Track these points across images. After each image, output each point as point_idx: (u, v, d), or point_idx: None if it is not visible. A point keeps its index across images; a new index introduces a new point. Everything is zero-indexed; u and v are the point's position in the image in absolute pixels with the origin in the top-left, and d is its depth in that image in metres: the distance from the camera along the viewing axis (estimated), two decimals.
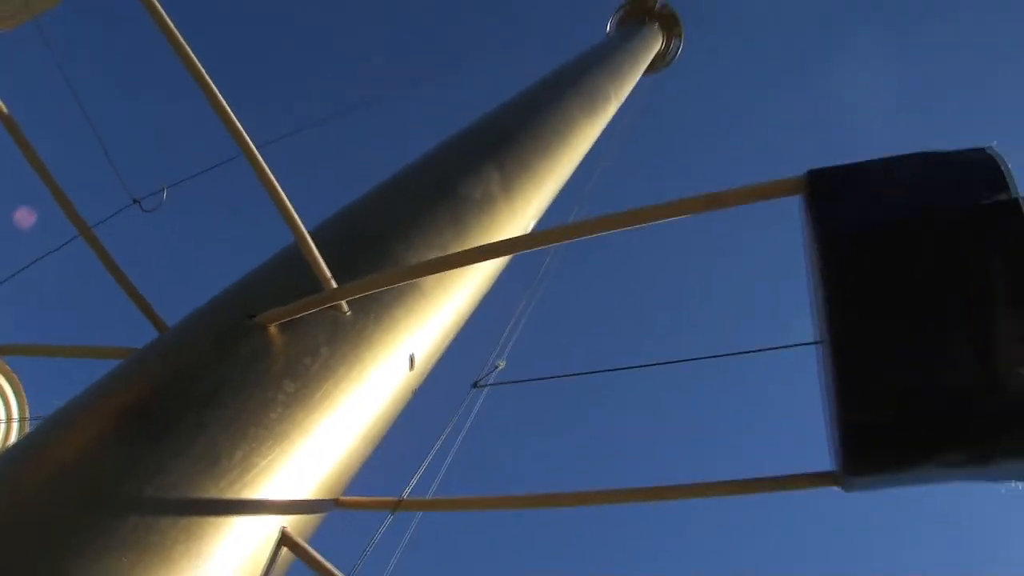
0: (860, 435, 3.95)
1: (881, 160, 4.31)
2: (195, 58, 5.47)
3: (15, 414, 13.42)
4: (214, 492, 4.37)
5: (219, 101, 5.50)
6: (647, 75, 21.70)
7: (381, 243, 6.60)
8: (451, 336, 6.97)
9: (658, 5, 23.76)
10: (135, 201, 6.77)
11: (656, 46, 22.63)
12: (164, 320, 6.27)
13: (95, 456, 4.35)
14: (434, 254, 6.59)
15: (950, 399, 3.75)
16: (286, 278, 5.87)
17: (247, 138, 5.53)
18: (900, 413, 3.85)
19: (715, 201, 4.59)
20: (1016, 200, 3.82)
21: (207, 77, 5.49)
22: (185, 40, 5.47)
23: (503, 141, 9.56)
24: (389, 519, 5.16)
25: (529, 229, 9.15)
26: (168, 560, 4.01)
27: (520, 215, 8.73)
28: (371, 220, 6.98)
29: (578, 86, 13.32)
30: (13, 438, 13.67)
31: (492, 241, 7.73)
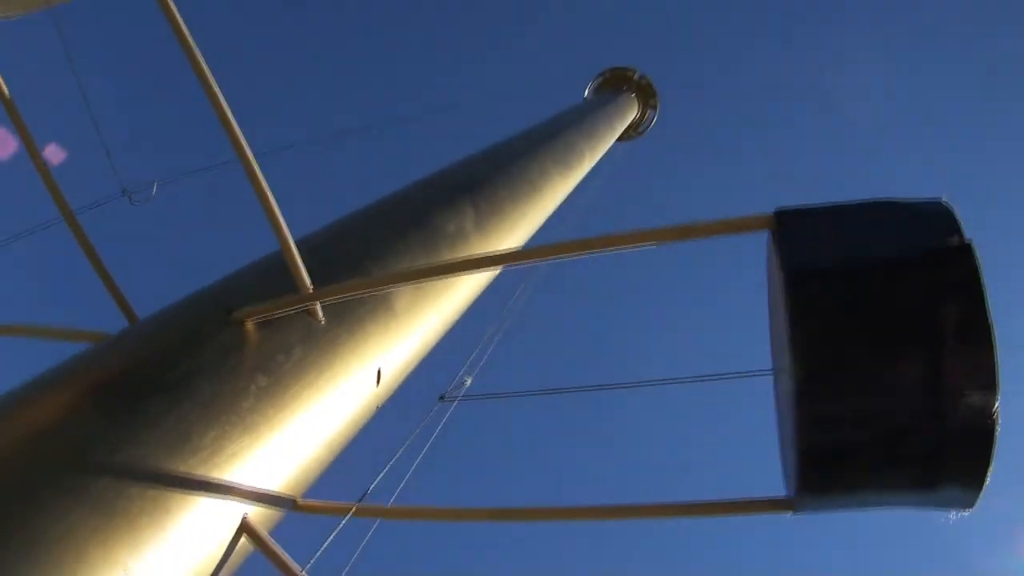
0: (814, 459, 4.14)
1: (845, 204, 4.58)
2: (202, 60, 5.65)
3: None
4: (183, 469, 4.46)
5: (221, 105, 5.66)
6: (620, 142, 22.20)
7: (357, 261, 6.77)
8: (420, 356, 7.10)
9: (637, 75, 24.40)
10: (125, 192, 6.87)
11: (631, 114, 23.19)
12: (136, 312, 6.35)
13: (70, 421, 4.44)
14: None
15: (898, 426, 3.98)
16: (266, 281, 6.01)
17: (245, 145, 5.68)
18: (853, 438, 4.07)
19: (688, 232, 4.82)
20: (968, 243, 4.09)
21: (212, 81, 5.65)
22: (194, 41, 5.65)
23: (479, 183, 9.79)
24: (344, 521, 5.24)
25: (498, 271, 9.33)
26: (133, 527, 4.08)
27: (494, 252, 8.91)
28: (350, 239, 7.15)
29: (554, 142, 13.66)
30: None
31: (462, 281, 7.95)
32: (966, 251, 4.09)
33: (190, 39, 5.72)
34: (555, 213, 12.93)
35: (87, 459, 4.19)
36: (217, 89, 5.70)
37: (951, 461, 3.93)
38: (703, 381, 5.73)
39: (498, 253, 7.16)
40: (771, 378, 5.05)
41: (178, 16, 5.71)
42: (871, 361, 4.09)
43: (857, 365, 4.10)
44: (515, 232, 10.06)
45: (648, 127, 24.47)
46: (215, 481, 4.62)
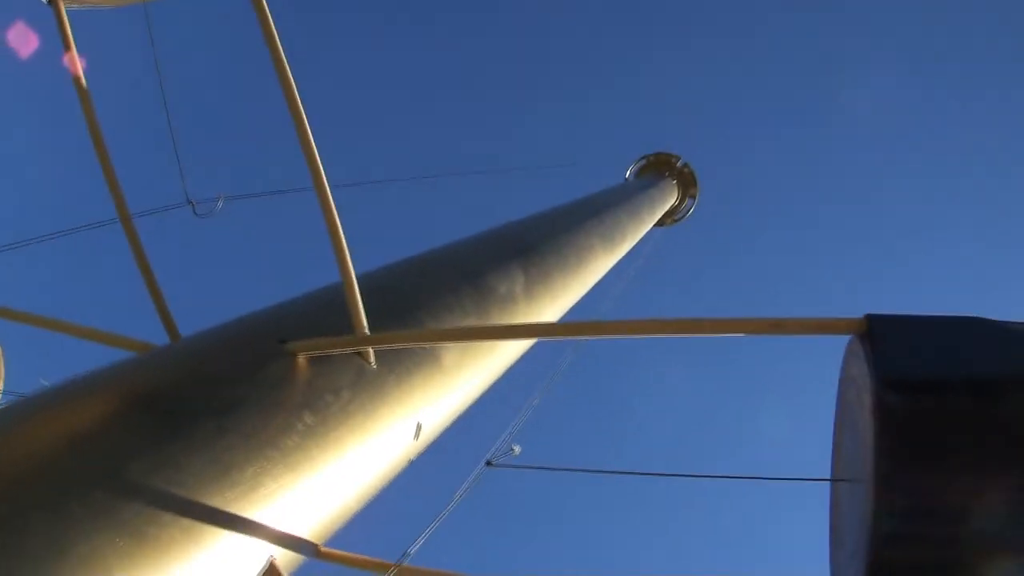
0: (885, 573, 3.95)
1: (937, 316, 4.42)
2: (293, 82, 5.51)
3: None
4: (219, 502, 4.21)
5: (305, 129, 5.52)
6: (656, 227, 22.12)
7: (411, 310, 6.61)
8: (459, 413, 6.88)
9: (680, 163, 24.41)
10: (190, 202, 6.70)
11: (671, 200, 23.13)
12: (180, 329, 6.14)
13: (110, 433, 4.20)
14: None
15: (978, 552, 3.80)
16: (321, 315, 5.83)
17: (323, 173, 5.53)
18: (927, 560, 3.89)
19: (777, 326, 4.65)
20: None
21: (300, 105, 5.52)
22: (287, 59, 5.51)
23: (531, 248, 9.72)
24: None
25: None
26: (162, 556, 3.83)
27: (536, 319, 8.77)
28: (405, 286, 7.01)
29: (601, 216, 13.61)
30: None
31: (510, 343, 7.77)
32: None
33: (283, 57, 5.59)
34: (592, 291, 12.88)
35: (123, 477, 3.94)
36: (303, 113, 5.56)
37: None
38: (758, 480, 5.51)
39: (560, 324, 6.98)
40: (827, 486, 4.89)
41: (275, 31, 5.59)
42: (959, 482, 3.92)
43: (944, 484, 3.92)
44: (558, 302, 9.94)
45: (685, 215, 24.40)
46: (248, 518, 4.36)
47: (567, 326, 6.11)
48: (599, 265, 12.50)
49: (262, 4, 5.57)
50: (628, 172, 24.43)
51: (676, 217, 24.38)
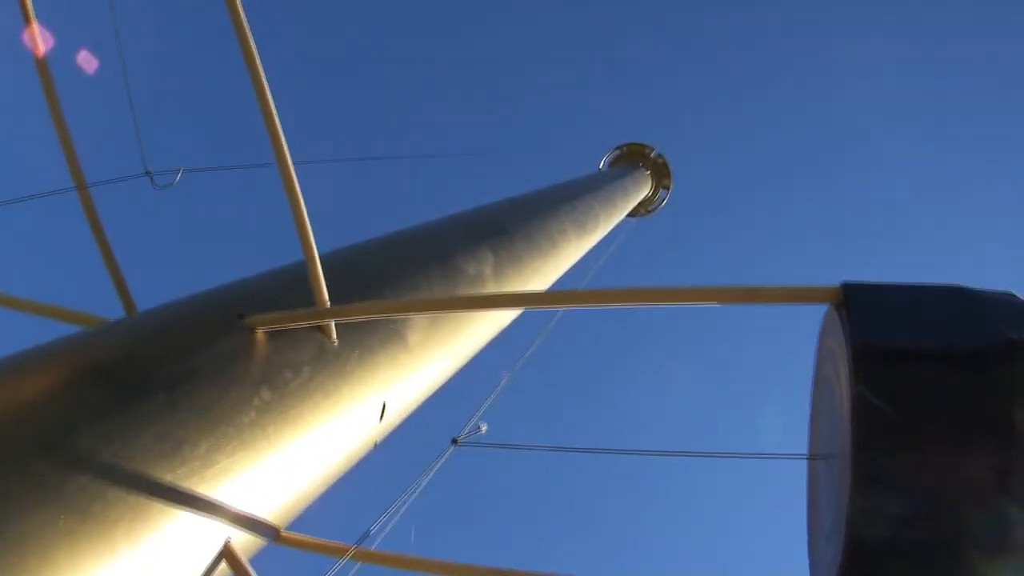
0: (861, 556, 3.78)
1: (913, 285, 4.28)
2: (256, 53, 5.27)
3: None
4: (169, 479, 4.00)
5: (268, 103, 5.29)
6: (629, 217, 22.00)
7: (376, 287, 6.41)
8: (427, 394, 6.69)
9: (654, 154, 24.31)
10: (148, 173, 6.46)
11: (645, 191, 23.02)
12: (136, 304, 5.91)
13: (52, 406, 3.97)
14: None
15: (956, 529, 3.66)
16: (282, 291, 5.61)
17: (285, 148, 5.31)
18: (909, 535, 3.75)
19: (752, 295, 4.51)
20: None
21: (263, 77, 5.28)
22: (252, 33, 5.28)
23: (502, 231, 9.55)
24: (340, 563, 4.77)
25: (511, 319, 9.01)
26: (108, 535, 3.62)
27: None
28: (371, 263, 6.81)
29: (575, 202, 13.47)
30: None
31: (479, 324, 7.58)
32: None
33: (248, 31, 5.36)
34: (564, 279, 12.74)
35: (66, 451, 3.72)
36: (267, 87, 5.32)
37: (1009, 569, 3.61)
38: (731, 458, 5.35)
39: (531, 293, 6.80)
40: (804, 463, 4.73)
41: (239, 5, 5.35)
42: (941, 454, 3.77)
43: (926, 456, 3.77)
44: (529, 285, 9.78)
45: (659, 207, 24.30)
46: (201, 497, 4.15)
47: (538, 295, 5.96)
48: (572, 251, 12.34)
49: None
50: (602, 162, 24.33)
51: (650, 208, 24.28)
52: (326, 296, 5.32)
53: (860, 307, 4.17)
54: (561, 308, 5.05)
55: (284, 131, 5.36)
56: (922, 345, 4.03)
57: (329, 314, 5.25)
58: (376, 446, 6.14)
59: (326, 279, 5.46)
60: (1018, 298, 4.19)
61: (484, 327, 7.77)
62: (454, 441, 5.80)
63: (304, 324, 5.15)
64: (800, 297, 4.46)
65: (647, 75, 51.42)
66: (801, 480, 4.83)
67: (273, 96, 5.35)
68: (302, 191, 5.44)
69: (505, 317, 8.39)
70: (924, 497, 3.78)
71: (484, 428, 5.96)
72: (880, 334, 4.08)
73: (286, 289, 5.66)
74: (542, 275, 10.46)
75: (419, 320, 6.32)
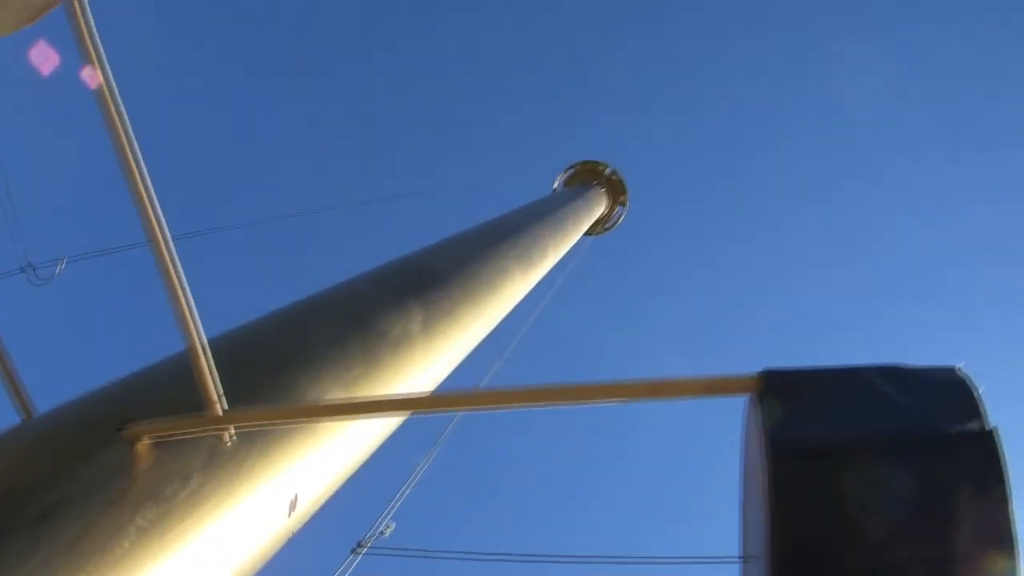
0: None
1: (843, 368, 3.95)
2: (120, 116, 4.89)
3: None
4: None
5: (134, 176, 4.90)
6: (587, 236, 21.78)
7: (282, 370, 6.04)
8: (339, 483, 6.37)
9: (608, 170, 24.12)
10: (30, 266, 6.13)
11: (600, 209, 22.82)
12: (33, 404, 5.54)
13: None
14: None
15: None
16: (169, 389, 5.27)
17: (160, 225, 4.92)
18: None
19: (658, 389, 4.17)
20: (991, 431, 3.48)
21: (128, 146, 4.90)
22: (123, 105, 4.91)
23: (432, 280, 9.19)
24: None
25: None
26: None
27: (438, 359, 8.27)
28: (275, 343, 6.44)
29: (517, 236, 13.11)
30: None
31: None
32: (987, 439, 3.47)
33: (118, 111, 5.01)
34: (512, 313, 12.40)
35: None
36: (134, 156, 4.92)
37: None
38: (665, 563, 5.04)
39: (421, 396, 6.44)
40: (738, 566, 4.44)
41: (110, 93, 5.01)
42: (863, 555, 3.49)
43: (852, 561, 3.49)
44: (465, 335, 9.41)
45: (616, 223, 24.12)
46: None
47: (426, 399, 5.64)
48: (515, 289, 11.97)
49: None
50: (555, 183, 24.10)
51: (607, 225, 24.09)
52: (216, 398, 4.98)
53: (780, 398, 3.87)
54: (450, 411, 4.74)
55: (161, 203, 4.95)
56: (848, 438, 3.71)
57: (221, 421, 4.92)
58: (290, 539, 5.83)
59: (221, 367, 5.11)
60: (961, 376, 3.79)
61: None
62: (358, 545, 5.48)
63: (192, 434, 4.83)
64: (714, 389, 4.14)
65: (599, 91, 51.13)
66: None
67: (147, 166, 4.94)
68: (185, 269, 5.04)
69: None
70: None
71: (389, 531, 5.63)
72: (801, 428, 3.77)
73: (175, 383, 5.31)
74: (481, 321, 10.11)
75: (327, 422, 5.99)
